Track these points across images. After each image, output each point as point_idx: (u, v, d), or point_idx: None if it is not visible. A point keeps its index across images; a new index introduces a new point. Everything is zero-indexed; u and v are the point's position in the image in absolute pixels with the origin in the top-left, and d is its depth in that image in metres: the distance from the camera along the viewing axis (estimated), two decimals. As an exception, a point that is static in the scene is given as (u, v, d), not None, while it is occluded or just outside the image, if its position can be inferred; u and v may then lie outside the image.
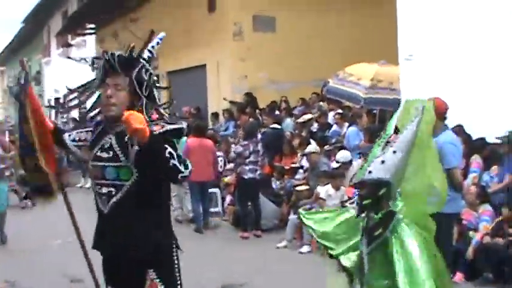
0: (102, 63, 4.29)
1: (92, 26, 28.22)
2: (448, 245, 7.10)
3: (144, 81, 4.12)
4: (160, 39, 4.80)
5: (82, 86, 4.65)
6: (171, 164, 3.77)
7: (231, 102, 17.83)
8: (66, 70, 32.41)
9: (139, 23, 23.35)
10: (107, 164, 4.04)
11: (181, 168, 3.80)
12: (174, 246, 4.20)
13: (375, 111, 13.17)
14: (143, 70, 4.19)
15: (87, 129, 4.47)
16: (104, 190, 4.04)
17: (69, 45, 32.44)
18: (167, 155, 3.77)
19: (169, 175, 3.92)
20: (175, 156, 3.79)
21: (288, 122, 15.67)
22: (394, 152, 4.14)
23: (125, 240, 4.00)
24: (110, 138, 4.09)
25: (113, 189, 4.01)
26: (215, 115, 18.54)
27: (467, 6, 10.31)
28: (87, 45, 30.54)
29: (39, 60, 40.59)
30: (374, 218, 4.35)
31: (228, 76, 18.62)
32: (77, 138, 4.47)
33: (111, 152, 4.04)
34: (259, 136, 12.90)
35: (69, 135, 4.55)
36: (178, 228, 12.29)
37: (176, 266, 4.20)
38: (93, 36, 29.46)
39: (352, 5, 18.59)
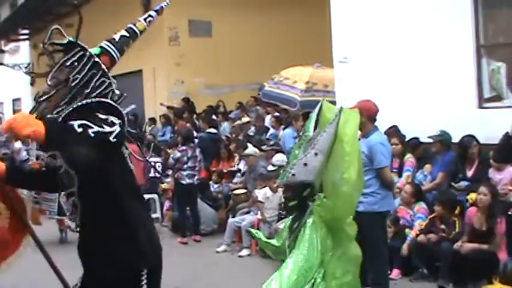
0: None
1: (26, 31, 27.78)
2: (382, 242, 7.23)
3: None
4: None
5: None
6: (90, 133, 3.43)
7: (168, 107, 17.76)
8: (-1, 77, 31.85)
9: (74, 28, 23.08)
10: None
11: (107, 129, 3.50)
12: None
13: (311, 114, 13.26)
14: None
15: None
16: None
17: (2, 52, 31.88)
18: (78, 128, 3.43)
19: (95, 148, 3.44)
20: (93, 126, 3.47)
21: (225, 125, 15.70)
22: (316, 154, 4.23)
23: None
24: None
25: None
26: (152, 120, 18.45)
27: (400, 8, 10.45)
28: (21, 51, 30.06)
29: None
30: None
31: (165, 81, 18.55)
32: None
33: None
34: (196, 141, 12.90)
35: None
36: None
37: None
38: (27, 42, 29.02)
39: (287, 8, 18.70)
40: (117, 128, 3.60)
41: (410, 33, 10.30)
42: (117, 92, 4.31)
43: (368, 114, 7.07)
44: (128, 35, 4.79)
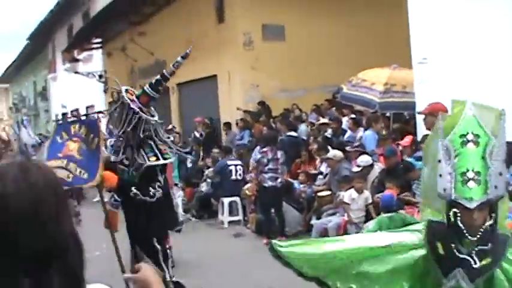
0: None
1: (99, 40, 28.47)
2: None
3: None
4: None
5: None
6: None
7: (245, 111, 17.98)
8: (73, 85, 32.70)
9: (147, 36, 23.61)
10: None
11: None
12: None
13: (388, 115, 13.38)
14: None
15: None
16: None
17: (76, 60, 32.71)
18: None
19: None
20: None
21: (302, 128, 15.83)
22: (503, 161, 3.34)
23: None
24: None
25: None
26: (227, 125, 18.73)
27: (481, 8, 10.41)
28: (94, 60, 30.81)
29: (44, 76, 40.89)
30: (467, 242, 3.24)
31: (240, 86, 18.80)
32: None
33: None
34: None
35: None
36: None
37: None
38: (100, 50, 29.72)
39: (361, 9, 18.74)
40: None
41: (491, 32, 10.24)
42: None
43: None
44: (160, 78, 6.90)
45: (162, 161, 6.64)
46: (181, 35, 21.06)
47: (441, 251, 3.35)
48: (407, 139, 11.10)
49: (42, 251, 1.79)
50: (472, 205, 3.09)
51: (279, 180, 11.93)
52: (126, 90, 6.68)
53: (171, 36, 21.71)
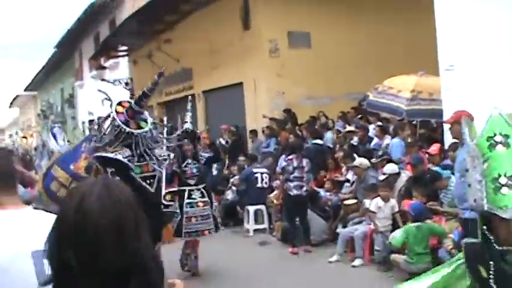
0: None
1: (125, 48, 28.60)
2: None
3: None
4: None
5: None
6: None
7: (271, 119, 17.92)
8: (99, 92, 32.84)
9: (173, 44, 23.66)
10: None
11: None
12: None
13: (414, 123, 13.27)
14: None
15: None
16: None
17: (103, 68, 32.89)
18: None
19: None
20: None
21: (328, 136, 15.76)
22: None
23: None
24: None
25: None
26: (254, 132, 18.69)
27: (509, 14, 10.30)
28: (120, 67, 30.96)
29: (72, 84, 41.20)
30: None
31: (265, 93, 18.74)
32: None
33: None
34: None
35: None
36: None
37: None
38: (126, 58, 29.85)
39: (387, 16, 18.63)
40: None
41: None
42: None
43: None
44: (142, 95, 8.36)
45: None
46: (207, 42, 21.10)
47: (484, 274, 3.01)
48: (435, 147, 11.02)
49: (123, 268, 1.86)
50: (509, 214, 2.81)
51: (304, 188, 11.87)
52: (120, 103, 8.11)
53: (196, 43, 21.74)
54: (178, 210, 9.96)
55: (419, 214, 9.24)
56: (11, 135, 66.16)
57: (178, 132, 10.59)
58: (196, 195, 10.14)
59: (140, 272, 1.88)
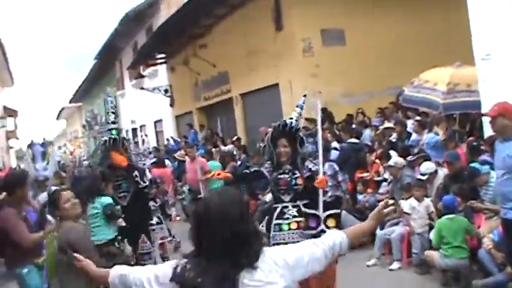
0: None
1: (162, 55, 28.64)
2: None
3: None
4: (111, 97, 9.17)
5: None
6: None
7: (306, 119, 17.58)
8: (141, 101, 33.10)
9: (208, 48, 23.60)
10: None
11: None
12: None
13: (454, 116, 12.81)
14: None
15: None
16: None
17: (142, 76, 33.08)
18: None
19: None
20: None
21: (366, 133, 15.39)
22: None
23: None
24: None
25: None
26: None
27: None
28: (159, 75, 31.06)
29: (114, 93, 41.51)
30: None
31: (301, 93, 18.31)
32: None
33: None
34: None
35: None
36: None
37: None
38: (164, 65, 29.91)
39: (420, 9, 18.25)
40: None
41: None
42: None
43: (509, 116, 6.72)
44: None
45: None
46: (242, 45, 20.95)
47: None
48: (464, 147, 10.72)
49: (235, 240, 3.12)
50: None
51: (338, 192, 11.51)
52: None
53: (231, 47, 21.63)
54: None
55: (451, 207, 9.01)
56: (59, 147, 67.14)
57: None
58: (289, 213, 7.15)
59: (246, 243, 3.14)
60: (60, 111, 63.37)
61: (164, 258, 10.50)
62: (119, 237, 6.09)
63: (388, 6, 18.31)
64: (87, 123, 51.05)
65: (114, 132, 7.96)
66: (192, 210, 3.43)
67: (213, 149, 20.03)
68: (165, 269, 3.28)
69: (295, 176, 7.09)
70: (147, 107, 33.43)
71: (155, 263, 7.57)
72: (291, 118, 7.56)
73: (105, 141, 8.20)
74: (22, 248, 6.59)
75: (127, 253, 6.11)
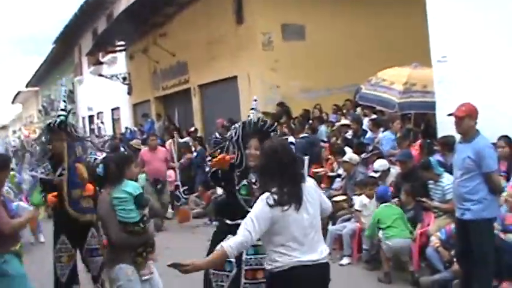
0: None
1: (122, 42, 28.43)
2: (490, 250, 6.91)
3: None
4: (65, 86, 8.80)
5: None
6: None
7: (264, 113, 17.62)
8: (98, 87, 32.81)
9: (169, 38, 23.50)
10: None
11: None
12: None
13: (409, 115, 12.98)
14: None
15: None
16: None
17: (100, 63, 32.78)
18: None
19: None
20: None
21: (322, 129, 15.49)
22: None
23: None
24: None
25: None
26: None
27: (501, 4, 9.99)
28: (118, 62, 30.83)
29: (72, 79, 41.07)
30: None
31: (260, 86, 18.45)
32: None
33: None
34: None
35: None
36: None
37: None
38: (123, 53, 29.69)
39: (380, 8, 18.33)
40: None
41: (512, 29, 9.85)
42: None
43: (475, 117, 6.85)
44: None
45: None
46: (202, 36, 20.91)
47: None
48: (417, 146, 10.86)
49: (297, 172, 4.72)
50: None
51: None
52: None
53: (192, 37, 21.57)
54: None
55: (385, 196, 9.52)
56: (14, 132, 66.21)
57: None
58: None
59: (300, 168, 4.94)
60: (16, 95, 62.40)
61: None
62: (145, 218, 5.93)
63: (349, 5, 18.43)
64: (43, 109, 50.44)
65: (62, 117, 7.57)
66: (265, 158, 4.69)
67: (170, 140, 19.96)
68: (258, 208, 4.51)
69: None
70: (104, 94, 33.16)
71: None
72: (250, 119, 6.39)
73: (49, 123, 7.60)
74: (2, 234, 6.29)
75: (150, 231, 6.06)
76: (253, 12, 18.45)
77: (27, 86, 56.43)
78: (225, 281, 5.67)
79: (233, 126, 6.48)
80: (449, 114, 7.08)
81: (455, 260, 7.93)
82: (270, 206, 4.47)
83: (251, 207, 4.64)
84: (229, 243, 4.48)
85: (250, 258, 5.66)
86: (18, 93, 60.89)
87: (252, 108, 7.15)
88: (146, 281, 5.94)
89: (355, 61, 17.73)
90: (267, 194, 4.50)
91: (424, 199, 9.17)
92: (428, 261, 8.67)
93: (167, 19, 23.51)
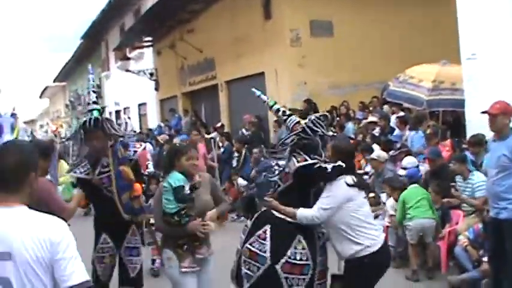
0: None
1: (149, 38, 28.56)
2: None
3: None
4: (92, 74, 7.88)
5: None
6: None
7: (291, 109, 17.56)
8: (126, 83, 32.98)
9: (196, 34, 23.54)
10: None
11: None
12: None
13: (437, 113, 12.93)
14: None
15: None
16: None
17: (127, 59, 32.90)
18: None
19: None
20: None
21: (349, 126, 15.46)
22: None
23: None
24: None
25: None
26: (278, 123, 18.33)
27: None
28: (145, 58, 30.95)
29: (99, 74, 41.34)
30: None
31: (287, 83, 18.46)
32: None
33: None
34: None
35: None
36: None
37: None
38: (151, 48, 29.81)
39: (410, 4, 18.25)
40: None
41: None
42: None
43: (509, 115, 6.80)
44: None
45: None
46: (229, 32, 20.93)
47: None
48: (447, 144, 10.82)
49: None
50: None
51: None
52: None
53: (219, 33, 21.60)
54: None
55: (414, 176, 10.01)
56: (41, 126, 66.75)
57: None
58: None
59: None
60: (44, 90, 62.95)
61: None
62: (182, 212, 5.90)
63: (379, 1, 18.38)
64: (70, 103, 50.84)
65: (95, 112, 7.12)
66: (346, 156, 5.62)
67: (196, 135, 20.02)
68: (335, 187, 5.41)
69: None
70: (131, 89, 33.32)
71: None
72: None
73: (85, 122, 6.97)
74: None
75: (192, 227, 6.05)
76: (281, 8, 18.42)
77: (54, 81, 56.84)
78: (301, 284, 5.60)
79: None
80: (483, 112, 7.00)
81: (484, 259, 7.91)
82: (349, 185, 5.41)
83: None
84: (302, 211, 5.45)
85: (320, 260, 5.68)
86: (46, 88, 61.41)
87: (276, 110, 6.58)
88: (193, 273, 5.88)
89: (383, 58, 17.72)
90: (341, 177, 5.45)
91: (453, 191, 9.11)
92: (457, 260, 8.65)
93: (194, 15, 23.54)
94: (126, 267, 7.01)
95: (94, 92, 7.25)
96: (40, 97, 67.55)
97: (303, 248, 5.51)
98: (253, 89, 6.91)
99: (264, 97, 6.79)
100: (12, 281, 3.01)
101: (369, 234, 5.43)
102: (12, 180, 3.15)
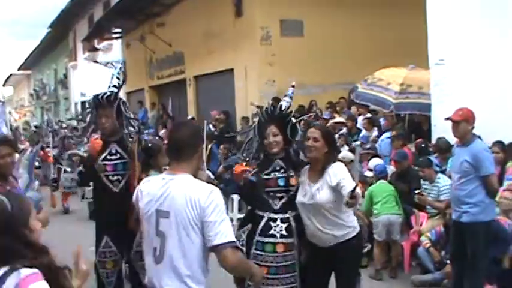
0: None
1: (118, 30, 28.43)
2: (483, 253, 7.03)
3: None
4: (122, 64, 7.62)
5: None
6: None
7: (258, 107, 17.68)
8: (92, 74, 32.78)
9: (166, 28, 23.50)
10: None
11: None
12: None
13: (402, 116, 13.12)
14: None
15: None
16: None
17: (96, 50, 32.73)
18: None
19: None
20: None
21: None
22: None
23: None
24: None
25: None
26: (245, 119, 18.39)
27: (501, 9, 10.11)
28: (113, 50, 30.80)
29: (65, 64, 41.00)
30: None
31: (256, 80, 18.54)
32: None
33: None
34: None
35: None
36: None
37: None
38: (119, 40, 29.68)
39: (381, 8, 18.32)
40: None
41: (510, 34, 9.96)
42: None
43: (472, 122, 6.96)
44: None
45: None
46: (200, 27, 20.92)
47: None
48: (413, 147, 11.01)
49: None
50: None
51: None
52: None
53: (189, 28, 21.58)
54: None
55: (383, 172, 9.87)
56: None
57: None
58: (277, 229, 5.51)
59: None
60: (8, 78, 62.20)
61: None
62: None
63: (348, 3, 18.48)
64: (35, 92, 50.32)
65: (113, 89, 6.59)
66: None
67: (163, 130, 20.04)
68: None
69: (290, 174, 5.57)
70: (98, 80, 33.06)
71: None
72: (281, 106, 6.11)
73: (97, 95, 6.51)
74: None
75: None
76: (253, 6, 18.47)
77: (19, 69, 56.22)
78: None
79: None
80: (447, 119, 7.16)
81: (447, 261, 8.09)
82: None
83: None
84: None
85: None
86: (10, 75, 60.69)
87: (286, 95, 6.60)
88: None
89: (351, 60, 17.83)
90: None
91: (419, 191, 9.25)
92: (420, 260, 8.83)
93: (165, 9, 23.48)
94: (138, 274, 6.44)
95: (118, 78, 6.90)
96: (3, 85, 66.71)
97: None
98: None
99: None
100: (167, 234, 3.70)
101: (353, 217, 5.53)
102: (185, 151, 3.80)
